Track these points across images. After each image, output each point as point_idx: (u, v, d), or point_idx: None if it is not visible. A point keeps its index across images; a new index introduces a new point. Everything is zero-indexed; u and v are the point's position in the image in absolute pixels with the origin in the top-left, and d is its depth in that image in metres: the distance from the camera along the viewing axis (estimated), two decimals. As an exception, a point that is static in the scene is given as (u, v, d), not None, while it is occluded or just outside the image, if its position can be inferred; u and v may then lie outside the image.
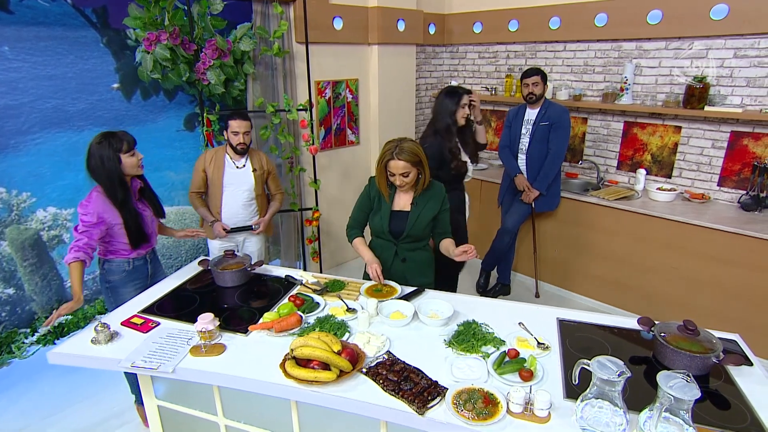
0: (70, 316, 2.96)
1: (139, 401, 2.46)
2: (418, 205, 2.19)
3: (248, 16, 3.30)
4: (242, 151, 2.79)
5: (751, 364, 1.59)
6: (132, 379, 2.39)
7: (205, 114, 3.06)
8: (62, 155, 2.84)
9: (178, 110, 3.31)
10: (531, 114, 3.40)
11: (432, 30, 4.53)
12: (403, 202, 2.23)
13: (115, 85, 2.98)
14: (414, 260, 2.28)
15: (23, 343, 2.85)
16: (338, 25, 3.72)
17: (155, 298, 2.12)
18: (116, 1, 2.82)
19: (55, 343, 2.92)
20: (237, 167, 2.82)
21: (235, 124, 2.71)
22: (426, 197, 2.20)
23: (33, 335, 2.88)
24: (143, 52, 2.85)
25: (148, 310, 2.02)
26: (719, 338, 1.61)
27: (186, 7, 2.87)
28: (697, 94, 3.17)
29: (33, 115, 2.70)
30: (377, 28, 3.92)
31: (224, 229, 2.82)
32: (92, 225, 2.05)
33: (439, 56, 4.84)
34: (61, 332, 2.96)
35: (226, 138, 2.78)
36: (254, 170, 2.86)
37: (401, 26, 4.08)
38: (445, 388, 1.48)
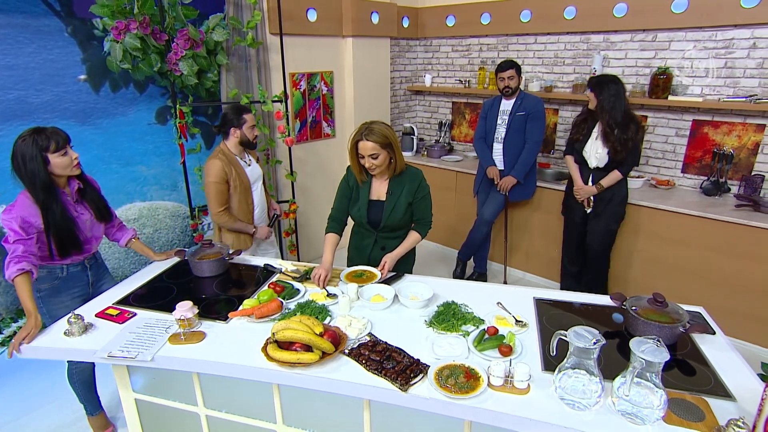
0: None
1: (89, 411, 2.32)
2: (393, 194, 2.20)
3: (221, 6, 3.25)
4: (255, 145, 2.72)
5: (713, 332, 1.68)
6: (80, 389, 2.25)
7: (177, 105, 3.00)
8: (27, 148, 2.73)
9: (149, 103, 3.23)
10: (507, 105, 3.46)
11: (406, 23, 4.55)
12: (379, 191, 2.24)
13: (82, 77, 2.89)
14: (393, 248, 2.29)
15: (-13, 344, 2.72)
16: (312, 16, 3.71)
17: (130, 290, 2.07)
18: (81, -12, 2.73)
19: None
20: (248, 164, 2.74)
21: (250, 118, 2.61)
22: (400, 183, 2.19)
23: (-2, 336, 2.76)
24: (112, 41, 2.77)
25: (123, 301, 1.97)
26: (686, 311, 1.69)
27: (156, -4, 2.80)
28: (661, 84, 3.30)
29: (-7, 107, 2.59)
30: (351, 20, 3.92)
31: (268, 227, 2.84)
32: (20, 231, 1.80)
33: (413, 50, 4.88)
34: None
35: (236, 136, 2.59)
36: (258, 160, 2.86)
37: (375, 19, 4.09)
38: (427, 365, 1.51)
